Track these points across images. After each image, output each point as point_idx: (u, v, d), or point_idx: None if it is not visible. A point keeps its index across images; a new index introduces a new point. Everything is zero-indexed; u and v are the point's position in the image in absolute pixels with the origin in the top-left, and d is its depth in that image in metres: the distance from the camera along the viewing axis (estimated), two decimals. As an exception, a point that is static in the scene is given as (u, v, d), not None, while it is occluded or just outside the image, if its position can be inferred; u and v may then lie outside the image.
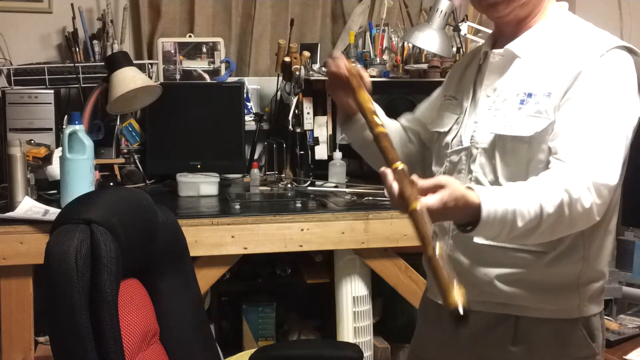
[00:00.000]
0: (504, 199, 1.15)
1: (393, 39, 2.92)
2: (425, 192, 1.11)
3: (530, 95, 1.32)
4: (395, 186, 1.11)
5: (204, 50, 2.89)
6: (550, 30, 1.38)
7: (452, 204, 1.10)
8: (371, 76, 2.75)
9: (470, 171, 1.39)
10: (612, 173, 1.21)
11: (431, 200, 1.09)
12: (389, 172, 1.14)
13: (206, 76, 2.88)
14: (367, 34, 2.94)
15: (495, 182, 1.34)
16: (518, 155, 1.32)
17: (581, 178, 1.18)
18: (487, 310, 1.35)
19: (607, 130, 1.24)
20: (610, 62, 1.28)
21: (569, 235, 1.27)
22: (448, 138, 1.45)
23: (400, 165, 1.15)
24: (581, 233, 1.29)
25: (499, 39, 1.43)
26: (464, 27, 2.77)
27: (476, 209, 1.13)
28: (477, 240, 1.33)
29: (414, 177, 1.12)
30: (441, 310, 1.36)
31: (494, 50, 1.43)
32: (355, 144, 1.59)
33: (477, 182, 1.36)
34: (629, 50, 1.31)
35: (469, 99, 1.44)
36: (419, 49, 2.76)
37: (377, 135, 1.27)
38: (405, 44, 2.85)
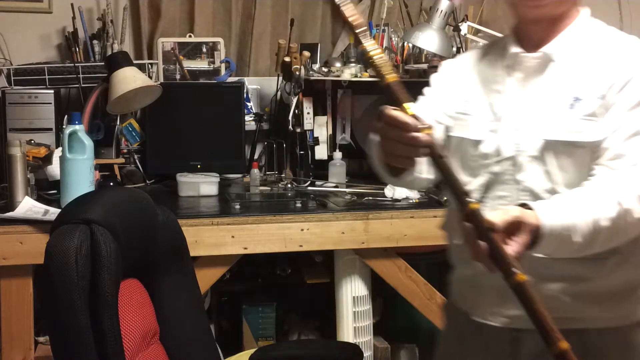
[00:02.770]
0: (560, 215, 1.14)
1: (393, 39, 2.92)
2: (506, 232, 1.08)
3: (578, 99, 1.29)
4: (492, 247, 1.05)
5: (204, 50, 2.89)
6: (584, 34, 1.35)
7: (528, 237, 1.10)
8: (371, 76, 2.77)
9: (517, 181, 1.32)
10: None
11: (518, 249, 1.08)
12: (470, 228, 1.06)
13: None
14: (367, 34, 2.93)
15: (553, 189, 1.29)
16: (575, 159, 1.28)
17: (632, 188, 1.19)
18: None
19: None
20: None
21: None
22: (483, 147, 1.36)
23: (477, 206, 1.06)
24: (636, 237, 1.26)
25: (525, 42, 1.36)
26: (464, 27, 2.77)
27: (536, 229, 1.12)
28: (538, 254, 1.25)
29: (489, 218, 1.07)
30: (491, 334, 1.36)
31: (530, 54, 1.35)
32: (406, 184, 1.56)
33: (530, 191, 1.31)
34: None
35: (502, 105, 1.36)
36: (419, 49, 2.76)
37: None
38: (405, 44, 2.86)
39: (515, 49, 1.37)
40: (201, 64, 2.88)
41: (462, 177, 1.40)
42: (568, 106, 1.29)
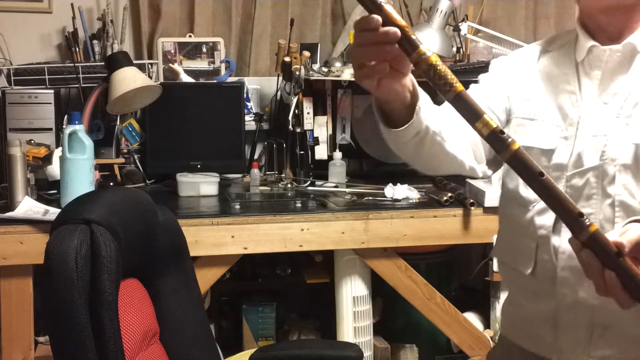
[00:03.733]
0: None
1: (393, 39, 2.92)
2: (633, 255, 0.94)
3: None
4: (627, 276, 0.91)
5: (204, 50, 2.89)
6: None
7: None
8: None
9: (606, 195, 1.15)
10: None
11: None
12: (591, 257, 0.93)
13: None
14: (367, 34, 2.93)
15: None
16: None
17: None
18: None
19: None
20: None
21: None
22: (558, 158, 1.19)
23: (596, 228, 0.92)
24: None
25: (598, 35, 1.20)
26: (464, 27, 2.77)
27: None
28: None
29: (612, 237, 0.93)
30: None
31: (612, 46, 1.18)
32: (409, 146, 1.13)
33: (623, 205, 1.14)
34: None
35: (577, 107, 1.19)
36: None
37: (512, 148, 0.93)
38: (405, 44, 2.85)
39: (591, 43, 1.19)
40: (201, 64, 2.88)
41: (527, 193, 1.23)
42: None
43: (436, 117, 1.11)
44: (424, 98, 1.06)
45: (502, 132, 0.92)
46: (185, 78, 2.78)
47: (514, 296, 1.32)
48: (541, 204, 1.18)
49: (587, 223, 0.91)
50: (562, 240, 1.18)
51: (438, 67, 0.91)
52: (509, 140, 0.92)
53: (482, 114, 0.91)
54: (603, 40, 1.19)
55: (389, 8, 0.91)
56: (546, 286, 1.21)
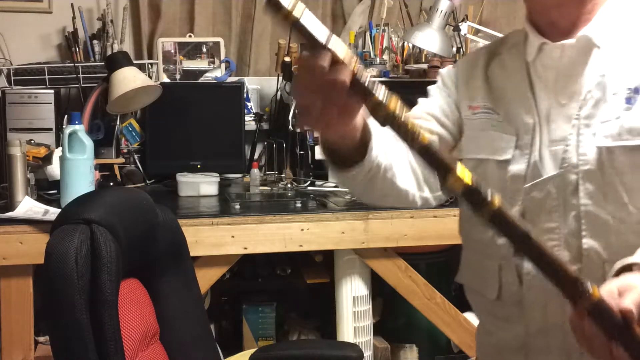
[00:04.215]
0: None
1: (393, 38, 2.92)
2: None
3: (638, 89, 1.01)
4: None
5: (204, 50, 2.89)
6: (627, 10, 1.08)
7: None
8: (371, 76, 2.74)
9: (570, 206, 1.03)
10: None
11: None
12: (593, 330, 0.80)
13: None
14: (367, 34, 2.94)
15: (624, 209, 1.01)
16: None
17: None
18: None
19: None
20: None
21: None
22: (514, 169, 1.07)
23: (599, 294, 0.80)
24: None
25: (549, 31, 1.09)
26: (464, 27, 2.77)
27: None
28: None
29: (615, 303, 0.80)
30: None
31: (562, 42, 1.06)
32: (358, 185, 1.04)
33: (590, 217, 1.02)
34: None
35: (532, 111, 1.08)
36: (419, 48, 2.76)
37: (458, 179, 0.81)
38: (405, 44, 2.86)
39: (540, 40, 1.09)
40: (201, 64, 2.88)
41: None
42: (626, 101, 1.02)
43: (387, 151, 1.01)
44: (375, 134, 0.95)
45: (478, 188, 0.80)
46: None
47: (484, 323, 1.22)
48: None
49: (588, 288, 0.79)
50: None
51: (397, 116, 0.78)
52: (489, 197, 0.80)
53: (453, 168, 0.79)
54: (555, 36, 1.07)
55: (337, 43, 0.77)
56: (513, 311, 1.11)
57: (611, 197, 1.02)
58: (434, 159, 0.80)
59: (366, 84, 0.78)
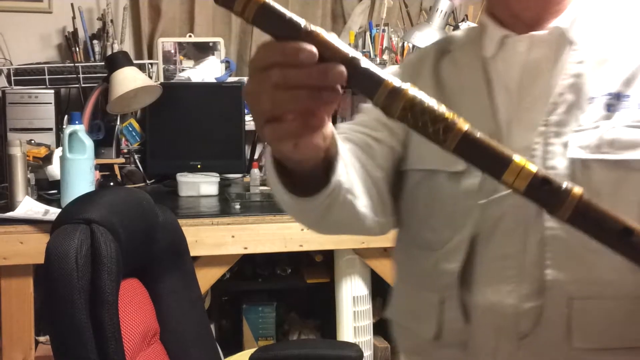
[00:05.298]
0: None
1: (393, 38, 2.92)
2: None
3: (619, 96, 0.86)
4: None
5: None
6: (600, 4, 0.94)
7: None
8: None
9: (533, 229, 0.86)
10: None
11: None
12: None
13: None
14: (367, 33, 2.94)
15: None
16: (630, 188, 0.83)
17: None
18: None
19: None
20: None
21: None
22: (467, 182, 0.90)
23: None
24: None
25: (510, 24, 0.93)
26: (464, 27, 2.78)
27: None
28: None
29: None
30: None
31: (531, 34, 0.91)
32: (314, 213, 0.84)
33: (557, 242, 0.85)
34: None
35: (490, 115, 0.91)
36: (419, 49, 2.76)
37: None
38: (405, 43, 2.86)
39: (502, 32, 0.93)
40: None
41: (431, 234, 0.93)
42: (603, 107, 0.87)
43: (349, 170, 0.84)
44: (341, 149, 0.76)
45: (549, 179, 0.59)
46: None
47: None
48: (451, 246, 0.90)
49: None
50: (476, 291, 0.89)
51: (419, 103, 0.59)
52: (566, 186, 0.59)
53: (511, 158, 0.59)
54: (518, 30, 0.93)
55: (318, 29, 0.60)
56: (455, 354, 0.93)
57: None
58: (481, 152, 0.60)
59: (373, 70, 0.60)
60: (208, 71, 2.79)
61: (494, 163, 0.59)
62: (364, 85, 0.60)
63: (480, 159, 0.60)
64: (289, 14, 0.60)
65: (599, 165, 0.84)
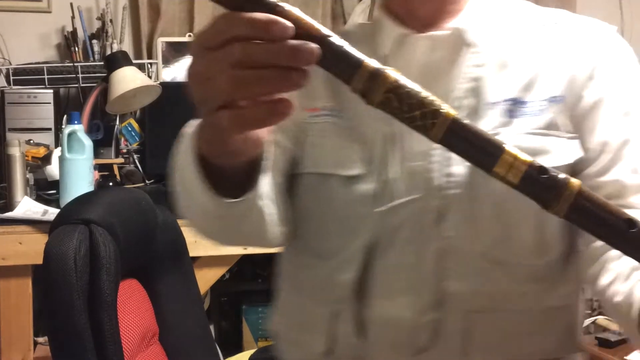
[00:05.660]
0: None
1: (393, 38, 2.92)
2: None
3: (518, 101, 0.84)
4: None
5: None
6: (497, 7, 0.91)
7: None
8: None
9: (430, 239, 0.82)
10: None
11: None
12: None
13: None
14: (367, 33, 2.93)
15: (500, 247, 0.82)
16: (526, 198, 0.79)
17: None
18: None
19: None
20: (626, 50, 0.90)
21: None
22: (363, 187, 0.84)
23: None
24: None
25: (406, 22, 0.89)
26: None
27: None
28: None
29: None
30: None
31: (431, 34, 0.86)
32: (230, 220, 0.77)
33: (454, 253, 0.82)
34: None
35: (386, 119, 0.79)
36: None
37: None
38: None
39: (399, 30, 0.88)
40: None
41: (324, 242, 0.88)
42: (503, 113, 0.83)
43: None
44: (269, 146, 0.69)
45: (546, 171, 0.55)
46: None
47: None
48: (345, 255, 0.86)
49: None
50: (371, 303, 0.85)
51: (402, 87, 0.54)
52: (564, 178, 0.55)
53: (503, 149, 0.54)
54: (414, 28, 0.88)
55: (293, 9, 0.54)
56: None
57: (484, 231, 0.81)
58: (472, 142, 0.55)
59: (349, 51, 0.54)
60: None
61: (483, 154, 0.55)
62: (340, 67, 0.55)
63: (469, 149, 0.55)
64: None
65: None
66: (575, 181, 0.54)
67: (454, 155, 0.72)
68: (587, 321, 2.09)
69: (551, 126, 0.83)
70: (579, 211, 0.54)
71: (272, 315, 1.01)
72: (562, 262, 0.87)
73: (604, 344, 2.11)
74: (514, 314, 0.84)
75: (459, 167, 0.82)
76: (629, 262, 0.75)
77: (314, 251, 0.91)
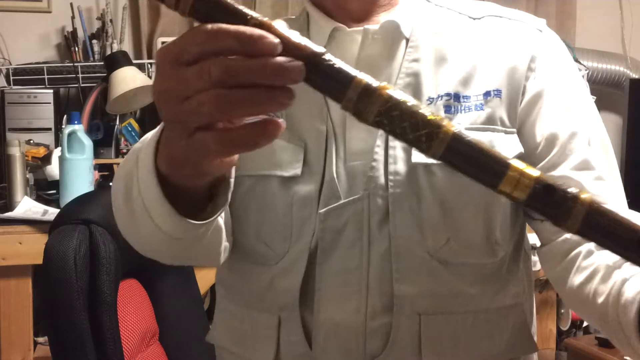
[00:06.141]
0: None
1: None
2: None
3: (458, 96, 0.82)
4: None
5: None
6: (433, 3, 0.90)
7: None
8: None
9: (376, 241, 0.80)
10: None
11: None
12: None
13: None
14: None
15: (447, 247, 0.80)
16: (472, 191, 0.78)
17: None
18: None
19: (609, 148, 0.85)
20: (559, 42, 0.91)
21: None
22: (303, 189, 0.82)
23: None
24: None
25: (336, 17, 0.87)
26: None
27: None
28: None
29: None
30: None
31: (364, 27, 0.84)
32: (193, 239, 0.73)
33: (401, 255, 0.79)
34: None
35: (323, 115, 0.82)
36: None
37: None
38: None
39: (333, 24, 0.85)
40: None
41: (265, 247, 0.85)
42: (445, 109, 0.82)
43: None
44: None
45: (553, 187, 0.50)
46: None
47: None
48: (288, 260, 0.83)
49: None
50: (318, 310, 0.82)
51: (401, 103, 0.50)
52: (573, 193, 0.50)
53: (508, 166, 0.50)
54: (344, 23, 0.86)
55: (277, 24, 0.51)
56: None
57: (430, 230, 0.79)
58: (475, 160, 0.51)
59: (340, 67, 0.50)
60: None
61: (487, 172, 0.51)
62: (329, 85, 0.50)
63: (472, 167, 0.51)
64: (234, 3, 0.50)
65: (443, 170, 0.78)
66: (586, 196, 0.51)
67: (397, 153, 0.78)
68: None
69: (491, 121, 0.82)
70: (591, 226, 0.51)
71: (212, 328, 0.97)
72: (511, 261, 0.86)
73: (604, 344, 2.11)
74: (466, 315, 0.82)
75: (402, 165, 0.80)
76: (603, 259, 0.74)
77: (254, 258, 0.87)
